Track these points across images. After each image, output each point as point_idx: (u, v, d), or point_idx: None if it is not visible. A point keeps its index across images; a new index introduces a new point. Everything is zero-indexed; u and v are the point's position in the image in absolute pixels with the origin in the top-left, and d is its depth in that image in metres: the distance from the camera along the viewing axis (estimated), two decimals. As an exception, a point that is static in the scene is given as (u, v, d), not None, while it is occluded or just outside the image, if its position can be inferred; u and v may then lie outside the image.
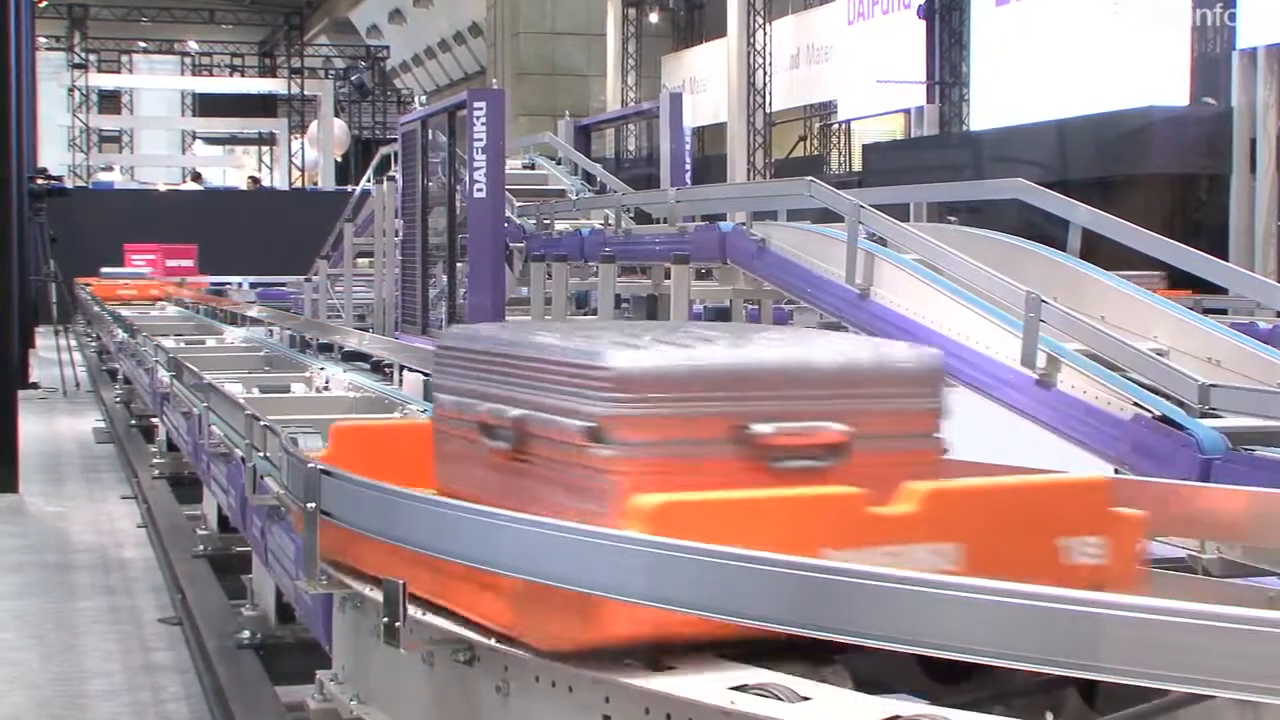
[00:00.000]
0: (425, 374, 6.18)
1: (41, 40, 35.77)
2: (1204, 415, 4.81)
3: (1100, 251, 6.76)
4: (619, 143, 19.47)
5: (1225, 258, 13.52)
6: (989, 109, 22.91)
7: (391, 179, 14.64)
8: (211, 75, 47.35)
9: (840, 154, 32.23)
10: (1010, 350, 5.57)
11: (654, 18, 34.57)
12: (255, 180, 39.11)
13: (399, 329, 13.08)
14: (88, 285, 19.98)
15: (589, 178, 14.98)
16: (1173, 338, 5.76)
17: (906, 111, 25.64)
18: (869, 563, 2.18)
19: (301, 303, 17.89)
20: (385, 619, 2.52)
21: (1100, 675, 1.73)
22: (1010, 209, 8.95)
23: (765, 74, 27.74)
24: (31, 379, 15.96)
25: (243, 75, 47.27)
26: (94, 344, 18.11)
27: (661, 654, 2.27)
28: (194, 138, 47.72)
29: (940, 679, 2.46)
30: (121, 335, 11.76)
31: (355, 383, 7.03)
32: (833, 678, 2.24)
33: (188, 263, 24.83)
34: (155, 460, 8.96)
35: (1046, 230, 7.78)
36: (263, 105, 44.98)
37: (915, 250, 6.65)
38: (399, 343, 9.80)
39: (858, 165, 28.80)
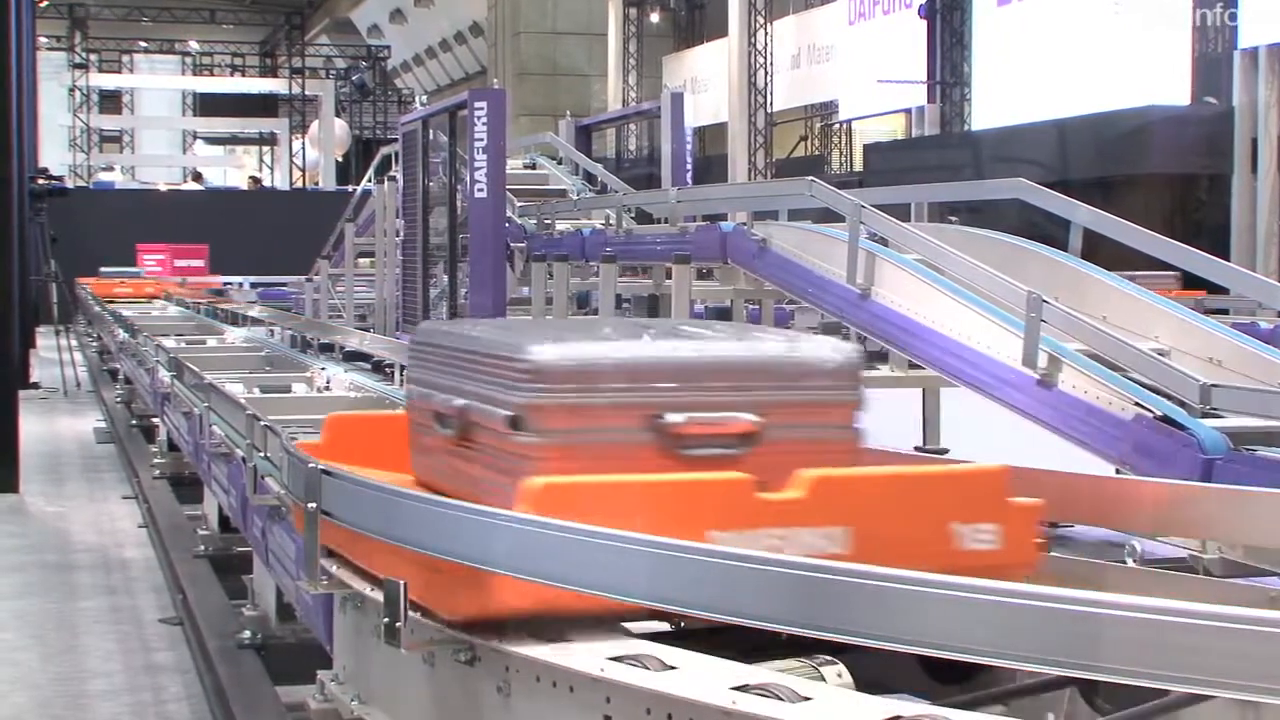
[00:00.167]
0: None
1: (42, 40, 35.79)
2: (1205, 415, 4.79)
3: (1101, 252, 6.75)
4: (620, 143, 19.43)
5: (1226, 257, 13.50)
6: (990, 109, 22.93)
7: (392, 179, 14.61)
8: (212, 75, 47.37)
9: (841, 154, 32.28)
10: (1011, 350, 5.56)
11: (655, 18, 34.60)
12: (256, 180, 39.11)
13: (400, 329, 13.05)
14: (87, 285, 20.00)
15: (590, 178, 14.94)
16: (1174, 338, 5.75)
17: (907, 111, 25.67)
18: (756, 545, 2.36)
19: (302, 303, 17.86)
20: (386, 619, 2.52)
21: (1100, 675, 1.73)
22: (1011, 209, 8.94)
23: (766, 74, 27.74)
24: (32, 379, 15.96)
25: (243, 75, 47.29)
26: (95, 344, 18.11)
27: (566, 627, 2.41)
28: (195, 138, 47.72)
29: (940, 679, 2.46)
30: (122, 335, 11.75)
31: (356, 383, 7.03)
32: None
33: (198, 263, 24.84)
34: (156, 460, 8.93)
35: (1048, 230, 7.76)
36: (263, 105, 45.00)
37: (916, 250, 6.63)
38: (400, 343, 9.77)
39: (859, 165, 28.84)
